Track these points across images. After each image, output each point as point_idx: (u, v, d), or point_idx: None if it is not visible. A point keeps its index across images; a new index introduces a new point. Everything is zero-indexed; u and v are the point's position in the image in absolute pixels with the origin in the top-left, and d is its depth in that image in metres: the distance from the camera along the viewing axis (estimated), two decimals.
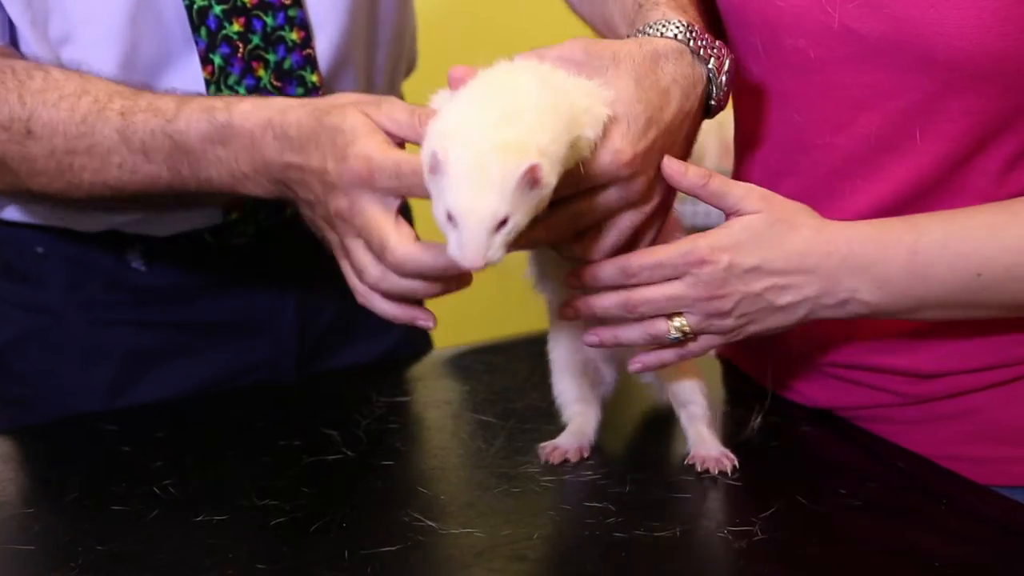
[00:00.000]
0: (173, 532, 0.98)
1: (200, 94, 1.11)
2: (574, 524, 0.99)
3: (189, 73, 1.18)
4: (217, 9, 1.16)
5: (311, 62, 1.21)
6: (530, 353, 1.26)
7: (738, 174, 1.19)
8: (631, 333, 1.03)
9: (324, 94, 1.20)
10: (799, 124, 1.09)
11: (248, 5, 1.17)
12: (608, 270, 1.00)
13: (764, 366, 1.19)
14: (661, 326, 1.01)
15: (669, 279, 0.99)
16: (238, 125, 1.02)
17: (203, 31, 1.16)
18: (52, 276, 1.28)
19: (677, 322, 1.01)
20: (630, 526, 0.96)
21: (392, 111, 0.97)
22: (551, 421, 1.13)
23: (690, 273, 0.98)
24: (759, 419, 1.12)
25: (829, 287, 0.99)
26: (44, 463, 1.14)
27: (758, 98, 1.12)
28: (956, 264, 0.98)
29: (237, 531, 0.99)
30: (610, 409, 1.13)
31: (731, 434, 1.11)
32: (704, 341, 1.03)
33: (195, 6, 1.15)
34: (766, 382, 1.20)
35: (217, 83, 1.17)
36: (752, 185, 1.01)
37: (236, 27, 1.17)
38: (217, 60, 1.17)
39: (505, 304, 2.58)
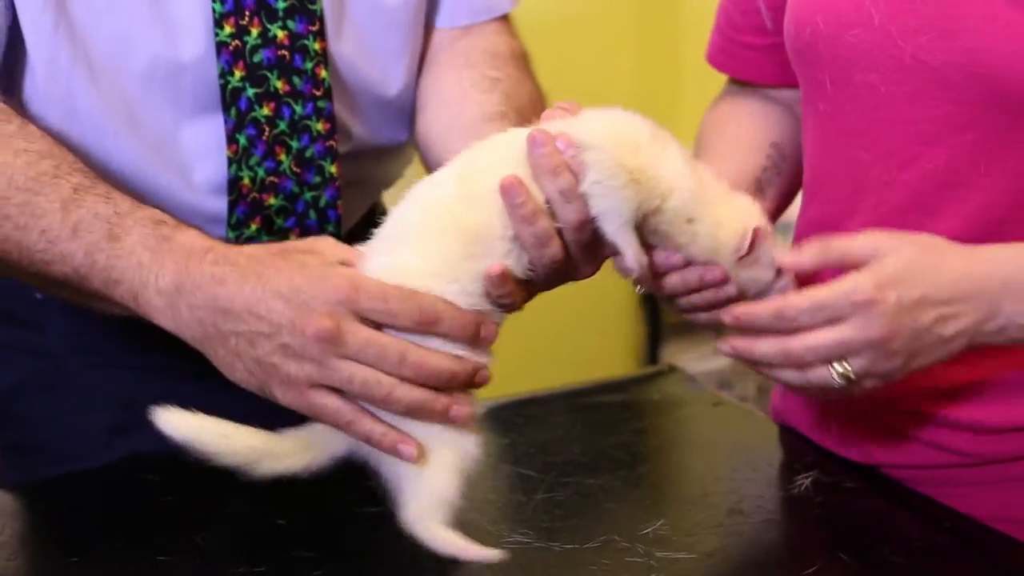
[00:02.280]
0: None
1: (157, 208, 1.07)
2: None
3: (192, 144, 1.18)
4: (250, 92, 1.18)
5: (332, 153, 1.23)
6: (570, 406, 1.26)
7: (806, 211, 1.19)
8: (788, 376, 0.98)
9: (341, 186, 1.24)
10: (866, 161, 1.08)
11: (280, 92, 1.19)
12: (764, 315, 0.96)
13: (822, 419, 1.19)
14: (823, 372, 0.96)
15: (830, 322, 0.94)
16: (179, 241, 1.00)
17: (233, 111, 1.17)
18: (52, 322, 1.29)
19: (840, 367, 0.95)
20: None
21: (327, 243, 0.99)
22: (592, 475, 1.12)
23: (857, 314, 0.93)
24: (809, 480, 1.11)
25: (991, 312, 0.95)
26: (86, 512, 1.15)
27: (824, 136, 1.13)
28: None
29: None
30: (647, 467, 1.13)
31: (780, 489, 1.10)
32: (867, 384, 0.97)
33: (229, 86, 1.17)
34: (819, 437, 1.19)
35: (239, 162, 1.19)
36: (871, 232, 0.98)
37: (266, 111, 1.19)
38: (242, 140, 1.18)
39: (544, 356, 2.58)
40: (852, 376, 0.95)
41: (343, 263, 0.97)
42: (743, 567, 1.01)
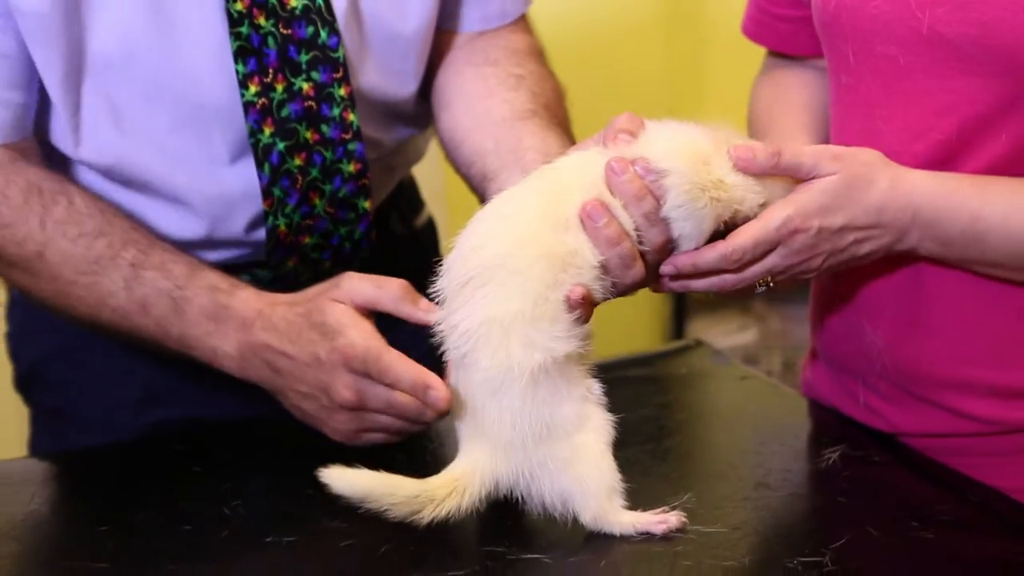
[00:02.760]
0: (244, 552, 1.00)
1: (205, 263, 1.16)
2: (642, 553, 0.98)
3: (229, 189, 1.19)
4: (280, 146, 1.18)
5: (365, 191, 1.23)
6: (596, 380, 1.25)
7: None
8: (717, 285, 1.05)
9: (373, 218, 1.25)
10: (883, 132, 1.09)
11: (310, 141, 1.19)
12: (709, 258, 1.01)
13: (847, 387, 1.19)
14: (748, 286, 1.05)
15: (766, 253, 1.02)
16: (235, 308, 1.10)
17: (266, 167, 1.18)
18: None
19: (763, 281, 1.04)
20: (699, 555, 0.96)
21: (352, 287, 1.06)
22: (619, 448, 1.11)
23: (783, 244, 1.01)
24: (837, 454, 1.11)
25: (900, 237, 1.05)
26: (116, 482, 1.16)
27: (846, 108, 1.14)
28: (1012, 237, 1.03)
29: (306, 553, 1.00)
30: (674, 441, 1.12)
31: (807, 462, 1.10)
32: (783, 283, 1.06)
33: (260, 143, 1.17)
34: (845, 405, 1.19)
35: (275, 213, 1.20)
36: (820, 147, 1.05)
37: (297, 161, 1.19)
38: (277, 192, 1.19)
39: None
40: (771, 285, 1.05)
41: (367, 304, 1.06)
42: (770, 540, 1.01)
